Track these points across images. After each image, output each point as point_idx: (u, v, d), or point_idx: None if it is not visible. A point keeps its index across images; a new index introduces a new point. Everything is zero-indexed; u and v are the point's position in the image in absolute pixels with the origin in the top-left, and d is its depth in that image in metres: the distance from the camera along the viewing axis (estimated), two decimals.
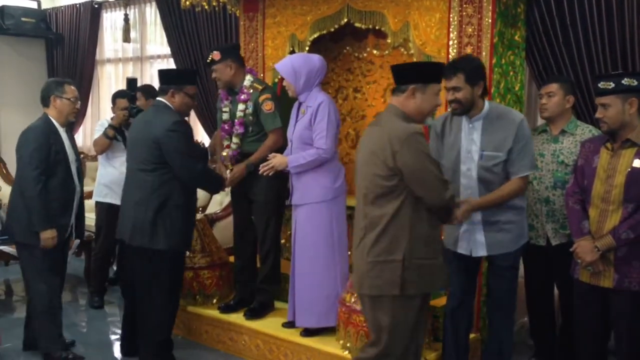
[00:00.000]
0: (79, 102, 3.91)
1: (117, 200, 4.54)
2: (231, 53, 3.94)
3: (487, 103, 3.13)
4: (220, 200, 5.50)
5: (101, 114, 7.23)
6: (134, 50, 6.90)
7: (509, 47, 3.72)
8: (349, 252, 3.82)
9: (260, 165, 3.72)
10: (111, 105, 4.90)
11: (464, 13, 3.61)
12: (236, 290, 4.24)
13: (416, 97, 2.68)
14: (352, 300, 3.45)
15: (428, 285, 2.71)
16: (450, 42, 3.66)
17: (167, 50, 6.31)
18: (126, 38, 6.40)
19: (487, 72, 3.34)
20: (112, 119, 4.75)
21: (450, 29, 3.67)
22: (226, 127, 4.00)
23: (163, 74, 3.69)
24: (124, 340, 3.95)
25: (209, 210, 5.39)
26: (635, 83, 2.85)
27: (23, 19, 7.05)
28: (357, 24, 4.12)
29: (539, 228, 3.52)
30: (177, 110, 3.59)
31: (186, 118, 3.80)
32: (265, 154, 3.78)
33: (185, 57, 5.97)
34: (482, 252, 3.16)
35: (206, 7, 4.63)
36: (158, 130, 3.44)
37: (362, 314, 3.33)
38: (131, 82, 4.87)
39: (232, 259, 4.35)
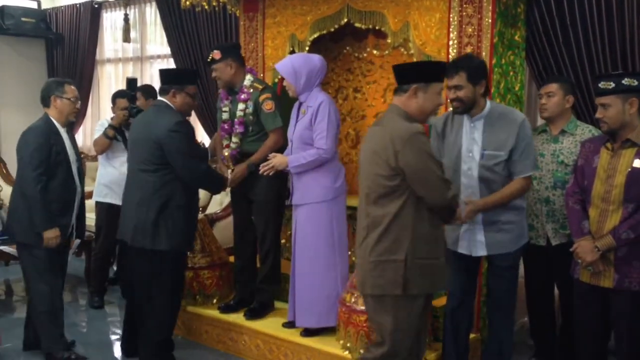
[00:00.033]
0: (79, 102, 3.91)
1: (117, 200, 4.55)
2: (232, 52, 3.94)
3: (488, 102, 3.13)
4: (220, 200, 5.50)
5: (101, 114, 7.23)
6: (134, 50, 6.90)
7: (509, 47, 3.72)
8: (350, 252, 3.84)
9: (261, 165, 3.72)
10: (111, 105, 4.90)
11: (464, 13, 3.61)
12: (236, 290, 4.24)
13: (418, 97, 2.67)
14: (352, 300, 3.45)
15: (430, 286, 2.71)
16: (450, 42, 3.66)
17: (167, 50, 6.31)
18: (126, 38, 6.40)
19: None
20: (112, 119, 4.75)
21: (450, 29, 3.67)
22: (225, 126, 3.99)
23: (164, 73, 3.68)
24: (124, 341, 3.94)
25: (209, 210, 5.39)
26: (636, 83, 2.86)
27: (23, 19, 7.05)
28: (357, 24, 4.12)
29: (539, 228, 3.52)
30: (179, 110, 3.58)
31: (187, 118, 3.80)
32: (266, 154, 3.78)
33: (185, 57, 5.97)
34: (481, 251, 3.16)
35: (206, 7, 4.63)
36: (160, 130, 3.43)
37: (362, 314, 3.34)
38: (131, 82, 4.87)
39: (232, 259, 4.35)
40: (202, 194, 5.04)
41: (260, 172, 3.70)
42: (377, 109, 4.59)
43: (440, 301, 3.55)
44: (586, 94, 3.78)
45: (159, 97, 3.66)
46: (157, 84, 3.98)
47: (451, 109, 3.16)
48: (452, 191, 2.65)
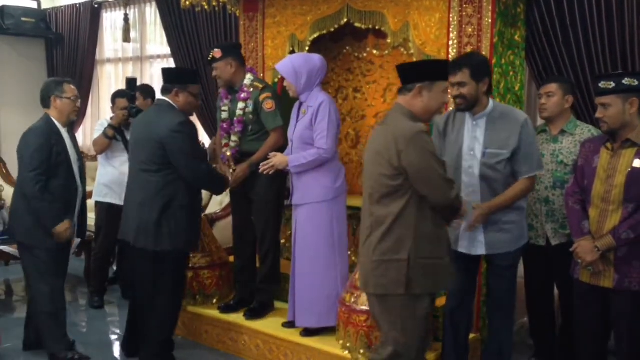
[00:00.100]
0: (80, 101, 3.91)
1: (117, 200, 4.56)
2: (232, 51, 3.94)
3: (491, 101, 3.12)
4: (220, 200, 5.50)
5: (101, 114, 7.22)
6: (134, 50, 6.90)
7: (509, 47, 3.72)
8: (349, 252, 3.84)
9: (261, 164, 3.72)
10: (111, 105, 4.90)
11: (464, 13, 3.61)
12: (236, 290, 4.24)
13: (423, 96, 2.67)
14: (352, 300, 3.45)
15: (433, 285, 2.71)
16: (450, 42, 3.67)
17: (167, 50, 6.31)
18: (126, 38, 6.40)
19: None
20: (111, 118, 4.75)
21: (450, 29, 3.67)
22: (225, 125, 3.99)
23: (167, 72, 3.67)
24: (125, 341, 3.93)
25: (209, 210, 5.39)
26: (636, 83, 2.85)
27: (23, 19, 7.05)
28: (357, 24, 4.12)
29: (539, 228, 3.52)
30: (182, 109, 3.57)
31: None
32: (267, 153, 3.78)
33: (185, 57, 5.97)
34: (481, 250, 3.15)
35: (206, 7, 4.63)
36: (162, 130, 3.41)
37: (362, 314, 3.35)
38: (131, 82, 4.87)
39: (232, 259, 4.35)
40: (203, 193, 5.04)
41: (260, 170, 3.70)
42: (377, 109, 4.60)
43: (440, 301, 3.55)
44: (586, 94, 3.78)
45: (161, 96, 3.65)
46: (157, 84, 3.97)
47: (452, 107, 3.15)
48: (455, 190, 2.65)
